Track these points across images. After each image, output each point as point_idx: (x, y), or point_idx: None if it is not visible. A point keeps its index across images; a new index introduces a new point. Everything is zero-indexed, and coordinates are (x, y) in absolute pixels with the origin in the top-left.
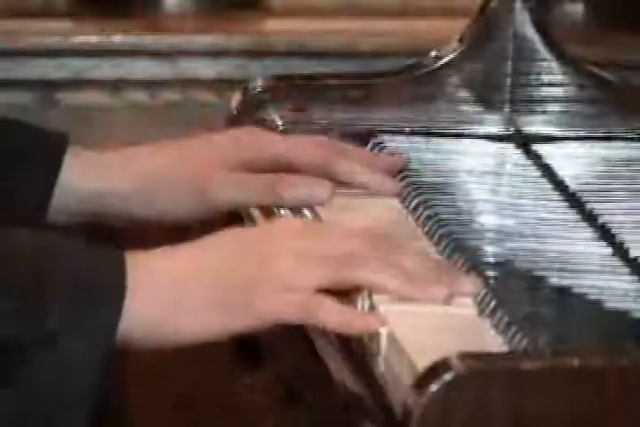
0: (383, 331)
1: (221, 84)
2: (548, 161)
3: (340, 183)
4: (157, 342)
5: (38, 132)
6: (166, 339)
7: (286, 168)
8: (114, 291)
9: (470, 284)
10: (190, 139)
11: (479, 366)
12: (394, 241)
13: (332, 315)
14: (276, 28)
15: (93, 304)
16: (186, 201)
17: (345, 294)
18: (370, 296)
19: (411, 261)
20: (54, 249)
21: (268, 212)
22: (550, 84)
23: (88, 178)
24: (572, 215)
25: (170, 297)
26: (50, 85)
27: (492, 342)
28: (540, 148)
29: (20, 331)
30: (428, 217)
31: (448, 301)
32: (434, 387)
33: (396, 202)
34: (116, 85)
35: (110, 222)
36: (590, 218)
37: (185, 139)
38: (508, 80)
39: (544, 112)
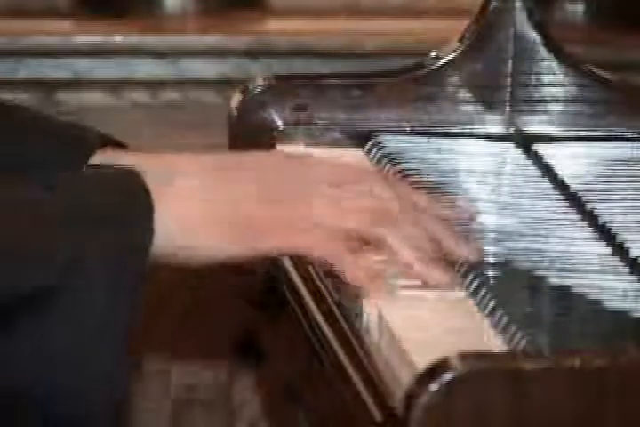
0: (380, 326)
1: (222, 84)
2: (549, 161)
3: None
4: (184, 254)
5: (64, 134)
6: (193, 250)
7: None
8: (140, 210)
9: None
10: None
11: (479, 365)
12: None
13: (354, 267)
14: (277, 28)
15: (123, 226)
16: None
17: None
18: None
19: (440, 232)
20: (74, 177)
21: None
22: (550, 84)
23: None
24: (572, 215)
25: (195, 212)
26: (50, 85)
27: (492, 341)
28: (540, 147)
29: (53, 257)
30: None
31: (448, 287)
32: (434, 387)
33: None
34: (117, 85)
35: None
36: (590, 218)
37: (225, 157)
38: (509, 80)
39: (544, 112)
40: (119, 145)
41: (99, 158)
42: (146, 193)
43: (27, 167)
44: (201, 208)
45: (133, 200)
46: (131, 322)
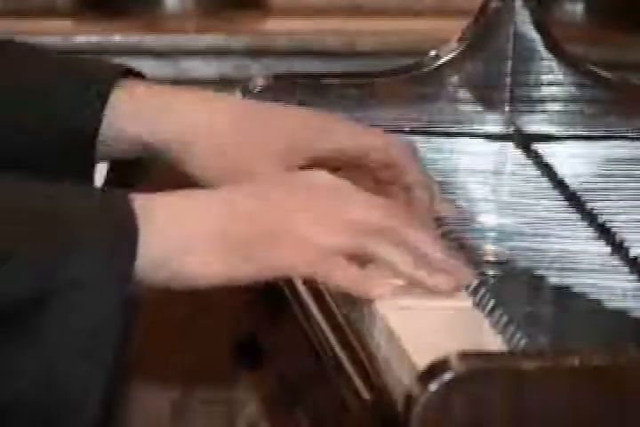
0: (380, 325)
1: (222, 84)
2: (548, 160)
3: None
4: (165, 279)
5: (83, 67)
6: (173, 277)
7: (354, 163)
8: (126, 235)
9: (468, 275)
10: (259, 108)
11: (479, 365)
12: (415, 220)
13: (348, 277)
14: (277, 27)
15: (108, 250)
16: (224, 178)
17: None
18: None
19: (427, 243)
20: (63, 197)
21: None
22: (550, 84)
23: (140, 129)
24: (572, 214)
25: (180, 236)
26: None
27: (492, 341)
28: (539, 147)
29: (38, 281)
30: None
31: (452, 291)
32: (434, 386)
33: None
34: None
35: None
36: (590, 217)
37: (253, 104)
38: (508, 79)
39: (544, 111)
40: (139, 75)
41: (118, 93)
42: (132, 221)
43: (49, 103)
44: (182, 235)
45: (119, 226)
46: (116, 350)
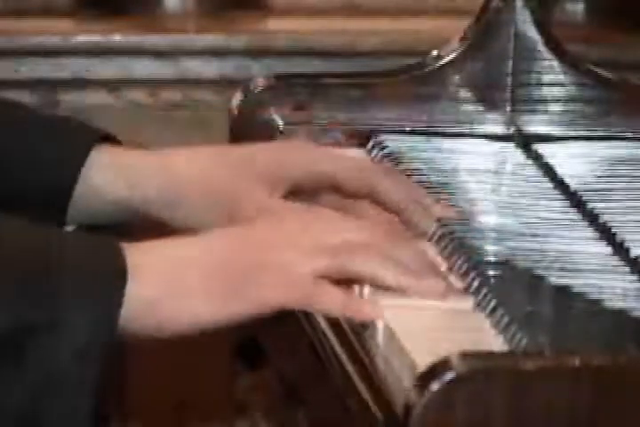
0: (380, 325)
1: (222, 84)
2: (549, 160)
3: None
4: (154, 326)
5: (63, 128)
6: (163, 323)
7: (330, 187)
8: (113, 277)
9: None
10: (232, 148)
11: (479, 365)
12: (394, 236)
13: (335, 302)
14: (277, 27)
15: (94, 291)
16: (214, 214)
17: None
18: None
19: (408, 256)
20: (52, 238)
21: None
22: (551, 84)
23: (119, 185)
24: (573, 215)
25: (167, 280)
26: (50, 85)
27: (493, 341)
28: (540, 147)
29: (22, 318)
30: None
31: (444, 295)
32: (434, 386)
33: None
34: (117, 85)
35: (132, 222)
36: (591, 217)
37: (226, 146)
38: (509, 79)
39: (545, 111)
40: (116, 142)
41: (96, 154)
42: (122, 267)
43: (27, 163)
44: (168, 281)
45: (108, 270)
46: (95, 391)
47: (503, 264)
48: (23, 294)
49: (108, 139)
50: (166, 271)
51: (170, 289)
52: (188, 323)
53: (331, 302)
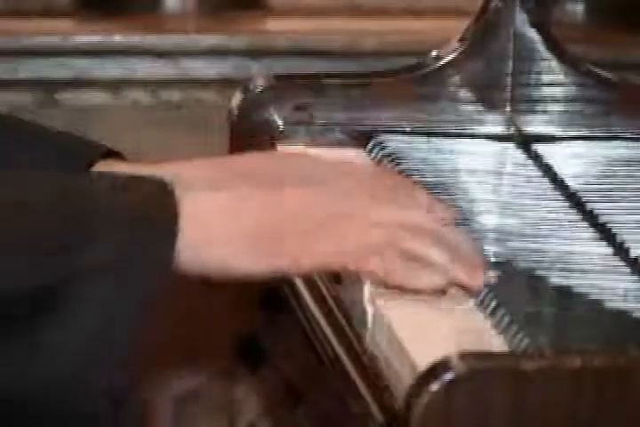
0: (381, 324)
1: (222, 84)
2: (549, 161)
3: None
4: (202, 267)
5: (61, 145)
6: (210, 265)
7: None
8: (167, 220)
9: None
10: (227, 158)
11: (480, 365)
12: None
13: (389, 268)
14: (277, 27)
15: (148, 235)
16: None
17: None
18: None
19: (462, 243)
20: (105, 182)
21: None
22: (551, 84)
23: None
24: (573, 215)
25: (220, 223)
26: (50, 85)
27: (493, 341)
28: (540, 147)
29: (76, 263)
30: None
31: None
32: (434, 387)
33: None
34: (117, 85)
35: None
36: (591, 218)
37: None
38: (509, 80)
39: (544, 112)
40: (120, 156)
41: (99, 169)
42: (172, 201)
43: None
44: (224, 221)
45: (159, 206)
46: (140, 332)
47: (503, 265)
48: (75, 238)
49: (110, 154)
50: (215, 218)
51: (218, 236)
52: (233, 269)
53: (388, 270)
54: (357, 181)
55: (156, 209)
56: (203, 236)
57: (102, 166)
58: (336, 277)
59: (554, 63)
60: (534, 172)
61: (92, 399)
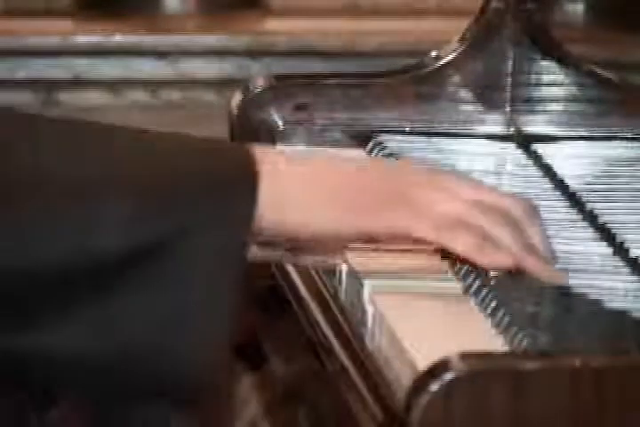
0: (382, 324)
1: (222, 84)
2: (549, 161)
3: None
4: (284, 228)
5: None
6: (292, 225)
7: None
8: (245, 179)
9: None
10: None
11: (479, 366)
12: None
13: (468, 243)
14: (277, 27)
15: (228, 195)
16: None
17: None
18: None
19: (536, 234)
20: (180, 143)
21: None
22: (550, 84)
23: None
24: (573, 215)
25: (301, 183)
26: (50, 85)
27: (493, 341)
28: (540, 147)
29: (157, 228)
30: None
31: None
32: (434, 387)
33: None
34: (117, 85)
35: None
36: (591, 218)
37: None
38: (509, 80)
39: (544, 112)
40: None
41: None
42: (251, 164)
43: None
44: (305, 183)
45: (237, 169)
46: (236, 295)
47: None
48: (154, 206)
49: None
50: (299, 178)
51: (300, 196)
52: (315, 228)
53: (463, 242)
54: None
55: (236, 175)
56: (282, 198)
57: None
58: (336, 276)
59: (554, 63)
60: (534, 172)
61: (177, 374)
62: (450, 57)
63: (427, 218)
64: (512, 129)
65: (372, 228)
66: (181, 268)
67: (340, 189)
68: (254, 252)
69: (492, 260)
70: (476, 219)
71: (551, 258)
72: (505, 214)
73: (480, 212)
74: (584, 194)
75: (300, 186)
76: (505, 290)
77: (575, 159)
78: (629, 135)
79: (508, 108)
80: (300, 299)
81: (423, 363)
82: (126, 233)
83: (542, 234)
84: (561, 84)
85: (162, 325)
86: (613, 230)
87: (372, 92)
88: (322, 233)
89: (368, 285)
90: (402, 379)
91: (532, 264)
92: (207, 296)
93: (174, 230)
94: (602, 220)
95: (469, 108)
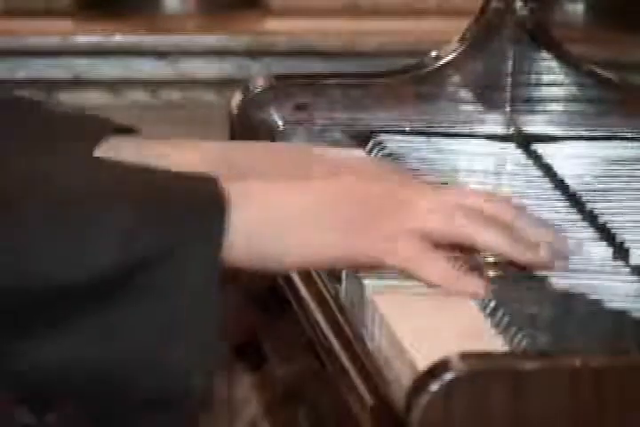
0: (381, 323)
1: (222, 84)
2: (549, 161)
3: None
4: (260, 259)
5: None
6: (270, 256)
7: None
8: (214, 203)
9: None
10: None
11: (479, 366)
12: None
13: (439, 271)
14: (277, 27)
15: (199, 218)
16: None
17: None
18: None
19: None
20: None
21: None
22: (550, 84)
23: None
24: (573, 215)
25: (277, 215)
26: (50, 85)
27: (493, 341)
28: (540, 147)
29: (152, 242)
30: None
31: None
32: (434, 387)
33: None
34: (117, 85)
35: None
36: (591, 218)
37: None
38: (509, 80)
39: (544, 112)
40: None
41: (112, 144)
42: (219, 196)
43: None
44: (277, 213)
45: (206, 202)
46: (223, 316)
47: (504, 265)
48: (144, 223)
49: (121, 131)
50: (273, 205)
51: (275, 224)
52: (295, 258)
53: (434, 272)
54: (403, 175)
55: (203, 195)
56: (259, 222)
57: (112, 142)
58: (336, 277)
59: (554, 63)
60: (534, 172)
61: (176, 381)
62: (450, 57)
63: (398, 244)
64: (512, 129)
65: (336, 260)
66: (171, 281)
67: (316, 219)
68: None
69: (468, 287)
70: (456, 229)
71: (547, 241)
72: (491, 214)
73: (459, 216)
74: (584, 194)
75: (279, 213)
76: (504, 290)
77: (575, 159)
78: (629, 135)
79: (507, 108)
80: (299, 299)
81: (423, 363)
82: (124, 247)
83: (537, 222)
84: (561, 84)
85: (157, 335)
86: (613, 230)
87: (372, 92)
88: (295, 265)
89: (368, 285)
90: (402, 379)
91: (520, 257)
92: (195, 308)
93: (165, 244)
94: (602, 220)
95: (469, 108)
